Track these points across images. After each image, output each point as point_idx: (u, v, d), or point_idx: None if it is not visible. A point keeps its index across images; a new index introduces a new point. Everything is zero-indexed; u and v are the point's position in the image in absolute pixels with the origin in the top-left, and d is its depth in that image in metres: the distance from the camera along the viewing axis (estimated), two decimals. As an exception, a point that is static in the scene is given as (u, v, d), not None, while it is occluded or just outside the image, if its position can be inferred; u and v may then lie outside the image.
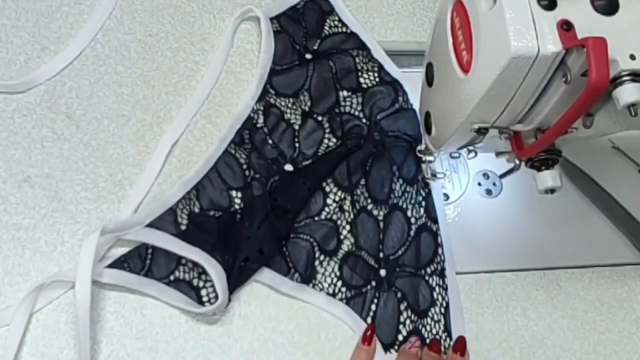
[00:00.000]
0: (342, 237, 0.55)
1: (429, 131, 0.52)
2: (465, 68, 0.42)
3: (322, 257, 0.54)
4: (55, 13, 0.59)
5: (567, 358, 0.54)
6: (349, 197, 0.56)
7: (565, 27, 0.37)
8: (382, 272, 0.55)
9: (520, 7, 0.38)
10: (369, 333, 0.52)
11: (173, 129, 0.56)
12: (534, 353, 0.54)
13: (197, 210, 0.52)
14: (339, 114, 0.59)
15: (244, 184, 0.54)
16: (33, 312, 0.48)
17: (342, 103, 0.60)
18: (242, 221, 0.52)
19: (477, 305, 0.55)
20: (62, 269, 0.50)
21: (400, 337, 0.53)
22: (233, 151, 0.55)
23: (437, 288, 0.55)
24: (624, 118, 0.42)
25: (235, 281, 0.51)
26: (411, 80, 0.61)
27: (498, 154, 0.51)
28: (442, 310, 0.54)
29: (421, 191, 0.58)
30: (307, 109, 0.59)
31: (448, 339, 0.53)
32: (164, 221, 0.51)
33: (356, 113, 0.60)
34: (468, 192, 0.59)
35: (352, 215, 0.56)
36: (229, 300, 0.50)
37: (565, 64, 0.38)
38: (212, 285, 0.50)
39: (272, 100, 0.58)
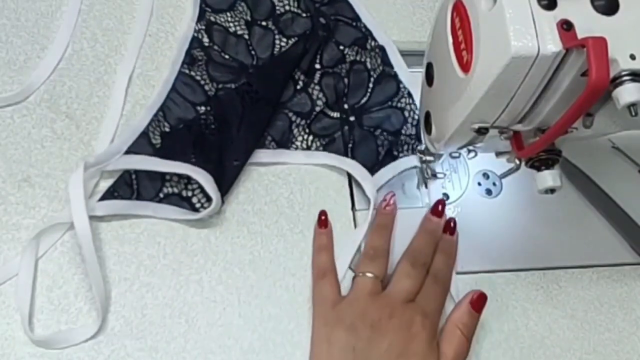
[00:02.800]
0: (314, 97, 0.59)
1: (429, 131, 0.52)
2: (465, 68, 0.42)
3: (298, 120, 0.58)
4: (55, 13, 0.59)
5: (567, 358, 0.54)
6: (315, 81, 0.60)
7: (566, 27, 0.37)
8: (351, 118, 0.59)
9: (520, 7, 0.38)
10: (323, 217, 0.55)
11: (125, 63, 0.58)
12: (534, 353, 0.54)
13: (167, 130, 0.55)
14: (280, 15, 0.63)
15: (206, 98, 0.57)
16: (38, 258, 0.49)
17: (279, 4, 0.63)
18: (220, 133, 0.55)
19: (477, 305, 0.55)
20: (62, 267, 0.50)
21: (380, 158, 0.57)
22: (187, 71, 0.58)
23: (407, 107, 0.60)
24: (624, 118, 0.42)
25: (227, 183, 0.54)
26: (411, 80, 0.61)
27: (498, 154, 0.51)
28: (415, 122, 0.60)
29: (376, 49, 0.62)
30: (249, 18, 0.62)
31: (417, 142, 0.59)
32: (140, 145, 0.53)
33: (295, 10, 0.63)
34: (468, 192, 0.59)
35: (317, 79, 0.60)
36: (222, 201, 0.53)
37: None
38: (201, 192, 0.53)
39: (212, 18, 0.61)
